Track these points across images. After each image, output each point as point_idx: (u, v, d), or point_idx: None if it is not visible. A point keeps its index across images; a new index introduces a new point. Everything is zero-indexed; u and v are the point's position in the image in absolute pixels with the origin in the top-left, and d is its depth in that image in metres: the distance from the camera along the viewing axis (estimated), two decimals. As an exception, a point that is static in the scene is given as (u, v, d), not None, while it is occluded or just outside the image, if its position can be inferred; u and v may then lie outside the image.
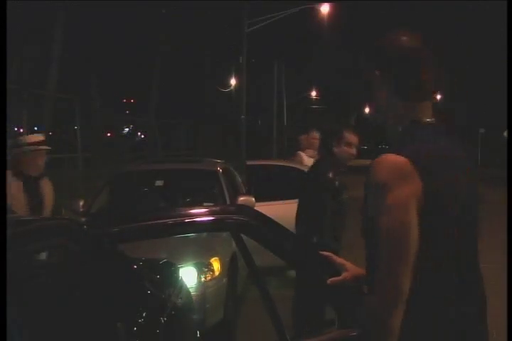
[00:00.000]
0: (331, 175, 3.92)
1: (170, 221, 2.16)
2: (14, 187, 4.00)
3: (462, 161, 1.68)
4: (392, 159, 1.53)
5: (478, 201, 1.70)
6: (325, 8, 18.94)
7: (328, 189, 3.89)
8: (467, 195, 1.63)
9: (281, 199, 6.58)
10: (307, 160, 6.89)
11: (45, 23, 16.25)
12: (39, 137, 4.29)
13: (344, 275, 1.90)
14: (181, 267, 3.83)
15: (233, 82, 28.74)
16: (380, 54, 1.70)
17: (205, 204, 5.26)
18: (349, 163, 4.12)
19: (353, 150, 4.03)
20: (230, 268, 4.77)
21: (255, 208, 2.82)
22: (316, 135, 7.08)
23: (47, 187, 4.31)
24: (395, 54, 1.66)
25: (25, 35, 15.91)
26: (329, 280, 1.90)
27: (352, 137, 4.01)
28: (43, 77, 16.05)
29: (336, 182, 3.93)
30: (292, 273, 4.89)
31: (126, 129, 33.98)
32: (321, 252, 2.02)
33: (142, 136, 32.77)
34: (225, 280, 4.60)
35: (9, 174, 4.04)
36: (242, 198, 5.68)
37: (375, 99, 1.75)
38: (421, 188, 1.50)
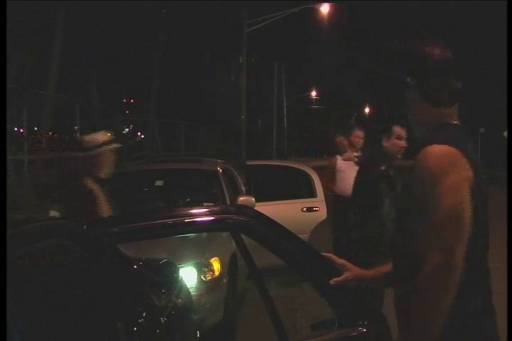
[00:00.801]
0: (384, 166, 4.14)
1: (170, 221, 2.16)
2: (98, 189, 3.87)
3: (478, 161, 1.75)
4: (443, 148, 1.61)
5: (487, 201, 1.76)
6: (325, 8, 18.92)
7: (384, 177, 4.09)
8: (483, 193, 1.70)
9: (281, 199, 6.58)
10: (341, 164, 6.65)
11: (45, 23, 16.25)
12: (107, 135, 4.03)
13: (346, 275, 1.90)
14: (181, 267, 3.83)
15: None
16: (415, 63, 1.77)
17: (205, 204, 5.25)
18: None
19: (403, 143, 4.21)
20: (230, 268, 4.77)
21: (255, 208, 2.82)
22: (360, 134, 6.86)
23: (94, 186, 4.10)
24: (431, 65, 1.74)
25: (25, 36, 15.91)
26: (332, 281, 1.91)
27: (401, 130, 4.20)
28: (43, 77, 16.04)
29: (391, 172, 4.15)
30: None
31: (126, 129, 33.96)
32: (322, 253, 2.03)
33: (142, 136, 32.76)
34: (225, 280, 4.59)
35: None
36: (242, 198, 5.67)
37: (405, 104, 1.83)
38: (471, 176, 1.59)
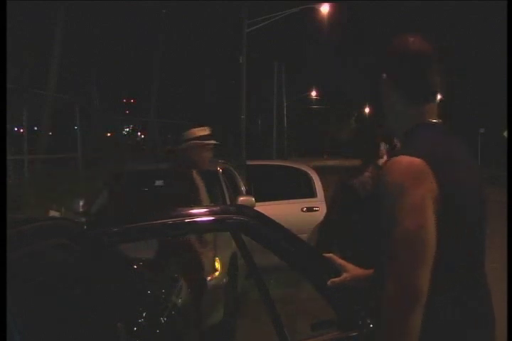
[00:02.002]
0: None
1: (170, 221, 2.16)
2: (200, 182, 4.01)
3: (469, 161, 1.69)
4: (407, 160, 1.52)
5: (486, 201, 1.70)
6: (325, 8, 18.93)
7: None
8: (475, 195, 1.64)
9: (281, 199, 6.58)
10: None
11: (45, 23, 16.25)
12: (205, 131, 4.14)
13: (344, 276, 1.90)
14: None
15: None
16: (387, 57, 1.71)
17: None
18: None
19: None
20: (230, 268, 4.77)
21: (255, 208, 2.82)
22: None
23: (199, 181, 4.18)
24: (402, 56, 1.66)
25: (25, 36, 15.91)
26: (329, 282, 1.90)
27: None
28: (43, 77, 16.05)
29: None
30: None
31: (127, 129, 33.98)
32: (322, 253, 2.02)
33: (142, 136, 32.77)
34: (225, 280, 4.60)
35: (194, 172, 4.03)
36: (242, 198, 5.67)
37: (383, 102, 1.75)
38: (436, 189, 1.50)
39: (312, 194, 6.71)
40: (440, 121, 1.70)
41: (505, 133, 23.92)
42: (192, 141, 4.07)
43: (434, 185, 1.50)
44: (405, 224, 1.46)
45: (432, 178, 1.50)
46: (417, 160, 1.51)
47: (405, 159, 1.52)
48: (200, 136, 4.08)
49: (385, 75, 1.70)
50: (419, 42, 1.66)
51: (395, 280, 1.45)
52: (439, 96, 1.71)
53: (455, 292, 1.55)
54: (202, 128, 4.15)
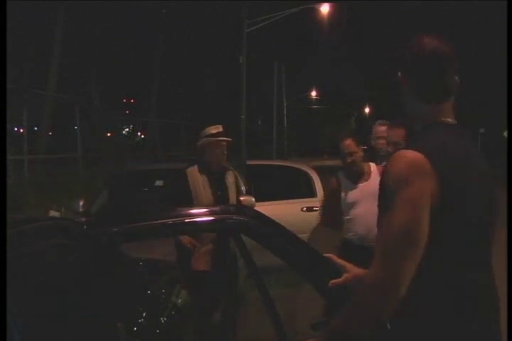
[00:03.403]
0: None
1: (170, 221, 2.16)
2: (200, 180, 4.05)
3: (479, 163, 1.70)
4: (410, 155, 1.55)
5: (496, 201, 1.71)
6: (325, 8, 18.92)
7: None
8: (483, 195, 1.64)
9: (281, 199, 6.57)
10: None
11: (45, 23, 16.25)
12: (218, 128, 4.19)
13: (345, 276, 1.89)
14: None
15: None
16: (403, 56, 1.73)
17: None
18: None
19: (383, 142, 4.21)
20: (230, 268, 4.76)
21: (255, 208, 2.82)
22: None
23: (230, 179, 4.28)
24: (417, 56, 1.68)
25: (25, 36, 15.91)
26: (331, 282, 1.89)
27: (381, 129, 4.24)
28: (43, 77, 16.05)
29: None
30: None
31: (126, 129, 33.99)
32: (323, 253, 2.02)
33: (142, 136, 32.78)
34: (225, 280, 4.58)
35: (195, 169, 4.09)
36: (242, 198, 5.67)
37: (403, 104, 1.78)
38: (436, 186, 1.52)
39: (312, 194, 6.70)
40: (454, 121, 1.71)
41: (505, 133, 23.93)
42: (204, 138, 4.13)
43: (433, 181, 1.52)
44: (400, 215, 1.49)
45: (432, 174, 1.52)
46: (420, 156, 1.54)
47: (410, 153, 1.56)
48: (212, 134, 4.13)
49: (400, 74, 1.73)
50: (435, 42, 1.68)
51: (381, 267, 1.48)
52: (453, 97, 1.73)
53: (441, 294, 1.56)
54: (215, 126, 4.21)
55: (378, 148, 4.34)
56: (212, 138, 4.11)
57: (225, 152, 4.19)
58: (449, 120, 1.70)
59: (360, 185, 3.94)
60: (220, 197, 4.09)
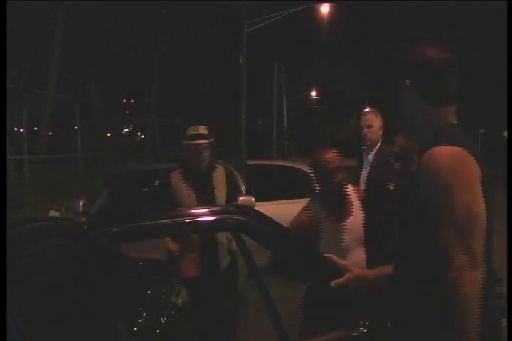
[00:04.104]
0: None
1: (170, 221, 2.16)
2: (183, 185, 4.01)
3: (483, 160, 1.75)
4: (450, 149, 1.60)
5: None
6: (325, 8, 18.91)
7: None
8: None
9: (281, 199, 6.57)
10: None
11: (45, 23, 16.24)
12: (197, 129, 4.10)
13: (347, 276, 1.89)
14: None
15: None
16: (412, 65, 1.78)
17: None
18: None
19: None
20: (230, 268, 4.76)
21: (255, 208, 2.82)
22: None
23: (219, 177, 4.17)
24: (428, 65, 1.74)
25: (25, 36, 15.90)
26: (333, 283, 1.89)
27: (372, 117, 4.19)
28: (43, 77, 16.04)
29: None
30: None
31: (126, 129, 33.99)
32: (323, 253, 2.02)
33: (142, 136, 32.78)
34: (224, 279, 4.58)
35: (178, 173, 4.06)
36: (242, 198, 5.66)
37: (402, 107, 1.82)
38: (481, 174, 1.59)
39: (312, 194, 6.69)
40: (457, 123, 1.79)
41: (505, 133, 23.91)
42: (183, 140, 4.09)
43: (478, 167, 1.59)
44: (463, 201, 1.53)
45: (476, 165, 1.60)
46: (459, 149, 1.60)
47: (447, 148, 1.61)
48: (190, 136, 4.06)
49: (408, 81, 1.78)
50: (438, 49, 1.76)
51: (463, 255, 1.50)
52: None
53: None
54: (194, 127, 4.11)
55: (365, 138, 4.24)
56: (187, 142, 4.05)
57: (205, 154, 4.08)
58: (454, 122, 1.78)
59: (347, 222, 2.96)
60: (205, 200, 4.00)
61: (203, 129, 4.12)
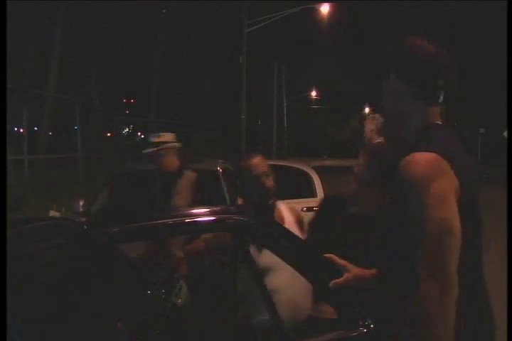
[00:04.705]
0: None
1: (170, 221, 2.16)
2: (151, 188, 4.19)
3: (470, 159, 1.72)
4: (427, 156, 1.54)
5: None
6: (325, 8, 18.92)
7: None
8: (477, 191, 1.67)
9: (282, 199, 6.56)
10: None
11: (45, 23, 16.25)
12: (155, 138, 4.23)
13: (346, 276, 1.89)
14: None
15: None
16: (399, 58, 1.72)
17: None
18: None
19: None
20: (230, 268, 4.76)
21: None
22: None
23: (183, 183, 4.18)
24: (415, 58, 1.67)
25: (25, 36, 15.91)
26: (332, 283, 1.89)
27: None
28: (43, 77, 16.05)
29: None
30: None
31: (126, 129, 33.98)
32: (323, 253, 2.02)
33: (142, 136, 32.78)
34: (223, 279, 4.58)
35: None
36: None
37: (390, 104, 1.76)
38: (456, 181, 1.53)
39: (312, 194, 6.69)
40: (441, 122, 1.73)
41: (505, 133, 23.92)
42: (144, 149, 4.31)
43: (454, 177, 1.53)
44: (436, 213, 1.47)
45: (451, 171, 1.53)
46: (435, 156, 1.54)
47: (424, 155, 1.55)
48: (152, 143, 4.23)
49: (394, 76, 1.72)
50: (432, 45, 1.69)
51: (428, 267, 1.45)
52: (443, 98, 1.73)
53: (464, 287, 1.54)
54: (154, 134, 4.33)
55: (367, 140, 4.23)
56: (145, 151, 4.23)
57: (168, 160, 4.21)
58: (438, 122, 1.72)
59: None
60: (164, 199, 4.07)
61: (164, 136, 4.25)
